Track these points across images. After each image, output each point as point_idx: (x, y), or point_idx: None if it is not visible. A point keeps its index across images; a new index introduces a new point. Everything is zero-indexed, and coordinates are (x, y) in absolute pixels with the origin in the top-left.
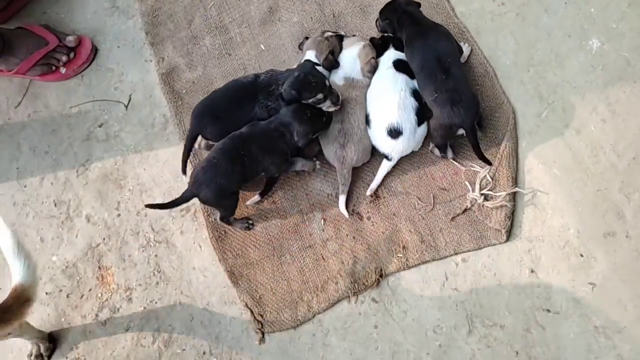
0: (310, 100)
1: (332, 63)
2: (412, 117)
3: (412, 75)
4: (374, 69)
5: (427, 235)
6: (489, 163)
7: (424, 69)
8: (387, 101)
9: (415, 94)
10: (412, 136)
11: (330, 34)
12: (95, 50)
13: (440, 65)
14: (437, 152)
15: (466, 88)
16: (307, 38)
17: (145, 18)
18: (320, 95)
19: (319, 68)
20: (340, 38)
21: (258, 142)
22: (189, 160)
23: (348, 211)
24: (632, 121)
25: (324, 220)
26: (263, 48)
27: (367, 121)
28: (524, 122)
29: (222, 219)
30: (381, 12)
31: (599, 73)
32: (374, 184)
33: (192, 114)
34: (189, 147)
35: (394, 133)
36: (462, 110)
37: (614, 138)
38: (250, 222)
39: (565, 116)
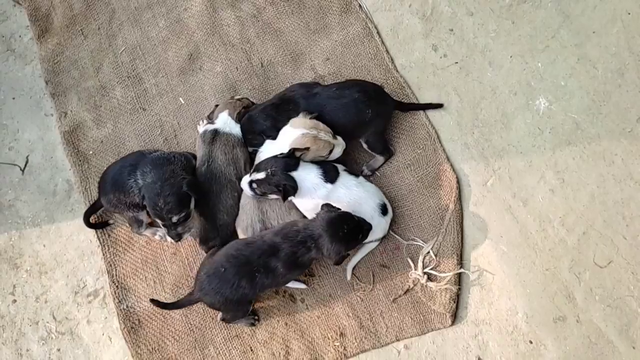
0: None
1: (242, 117)
2: None
3: None
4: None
5: (366, 319)
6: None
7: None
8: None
9: None
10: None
11: (239, 97)
12: None
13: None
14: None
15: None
16: (217, 106)
17: (45, 64)
18: (158, 221)
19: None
20: (250, 102)
21: (282, 258)
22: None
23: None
24: (582, 191)
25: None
26: (182, 102)
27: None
28: (469, 191)
29: (223, 319)
30: None
31: (546, 136)
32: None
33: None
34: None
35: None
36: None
37: (563, 210)
38: (256, 317)
39: (512, 185)
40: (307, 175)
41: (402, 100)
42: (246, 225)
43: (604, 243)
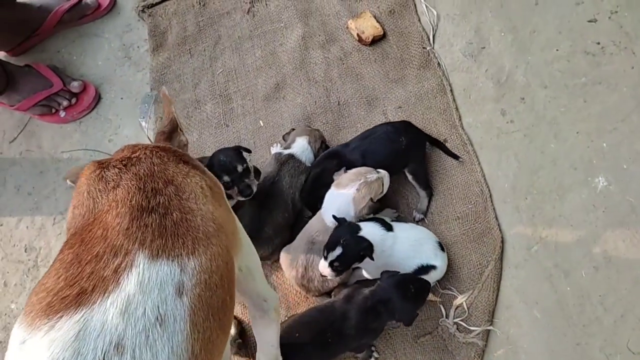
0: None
1: (320, 149)
2: None
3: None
4: (372, 210)
5: (390, 355)
6: (456, 157)
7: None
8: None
9: None
10: None
11: (315, 129)
12: (98, 98)
13: None
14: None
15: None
16: (293, 129)
17: (153, 74)
18: (226, 178)
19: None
20: (323, 137)
21: (354, 325)
22: None
23: None
24: (627, 274)
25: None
26: (262, 124)
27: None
28: (512, 253)
29: None
30: None
31: (599, 215)
32: None
33: None
34: None
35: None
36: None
37: (604, 289)
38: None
39: (557, 255)
40: (372, 231)
41: (461, 155)
42: (294, 264)
43: None
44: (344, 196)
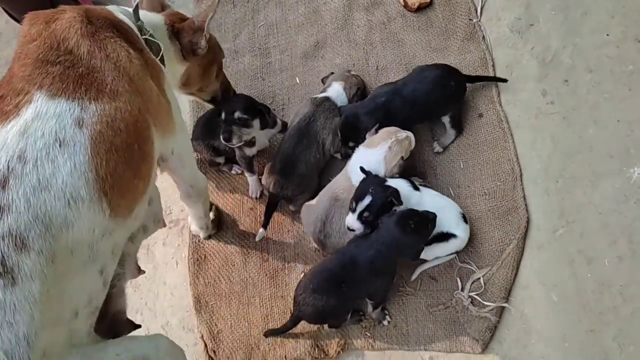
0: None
1: (355, 97)
2: None
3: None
4: (402, 169)
5: (401, 321)
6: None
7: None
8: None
9: None
10: None
11: (354, 73)
12: None
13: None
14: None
15: None
16: (332, 73)
17: None
18: (222, 115)
19: None
20: (363, 83)
21: (363, 268)
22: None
23: None
24: None
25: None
26: (297, 81)
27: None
28: (536, 234)
29: (329, 326)
30: None
31: (631, 206)
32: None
33: None
34: None
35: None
36: None
37: (625, 280)
38: (362, 313)
39: (581, 241)
40: (399, 184)
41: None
42: (313, 219)
43: None
44: (375, 155)
